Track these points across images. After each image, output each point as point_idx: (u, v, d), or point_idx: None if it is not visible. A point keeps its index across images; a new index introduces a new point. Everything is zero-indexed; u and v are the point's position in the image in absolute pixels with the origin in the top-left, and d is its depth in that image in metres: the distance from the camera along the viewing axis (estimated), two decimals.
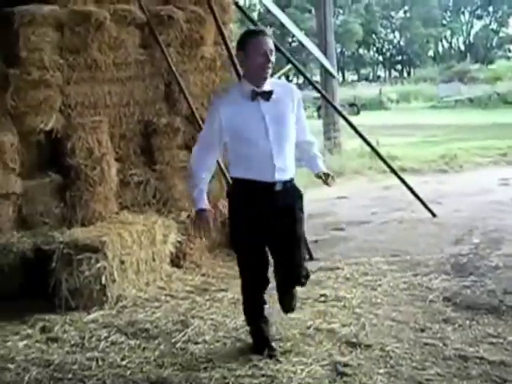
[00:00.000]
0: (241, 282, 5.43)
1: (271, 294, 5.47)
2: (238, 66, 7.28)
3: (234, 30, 9.43)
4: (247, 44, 4.95)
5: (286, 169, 5.01)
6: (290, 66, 17.84)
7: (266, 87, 4.97)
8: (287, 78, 68.85)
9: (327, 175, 5.16)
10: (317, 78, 25.23)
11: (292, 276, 5.20)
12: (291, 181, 5.09)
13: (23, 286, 6.88)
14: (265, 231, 5.06)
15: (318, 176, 5.21)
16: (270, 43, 4.95)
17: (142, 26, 8.44)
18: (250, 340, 5.45)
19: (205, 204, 5.09)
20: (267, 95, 4.96)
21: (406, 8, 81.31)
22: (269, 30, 5.37)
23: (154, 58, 8.49)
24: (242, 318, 5.93)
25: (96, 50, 8.02)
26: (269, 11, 13.10)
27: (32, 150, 7.75)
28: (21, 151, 7.49)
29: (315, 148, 5.35)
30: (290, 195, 5.09)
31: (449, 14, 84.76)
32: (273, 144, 4.93)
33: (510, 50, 79.96)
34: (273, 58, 4.94)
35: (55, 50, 7.80)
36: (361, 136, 10.51)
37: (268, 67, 4.92)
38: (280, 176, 4.97)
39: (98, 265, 6.55)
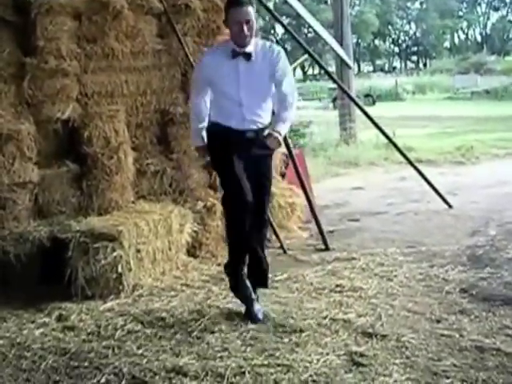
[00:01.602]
0: (225, 222, 5.98)
1: None
2: None
3: None
4: (227, 13, 5.55)
5: (257, 120, 5.60)
6: (306, 56, 17.86)
7: (248, 49, 5.52)
8: (303, 68, 68.99)
9: (269, 135, 5.45)
10: (332, 68, 25.09)
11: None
12: (263, 129, 5.61)
13: (40, 274, 6.91)
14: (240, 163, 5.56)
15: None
16: (247, 13, 5.43)
17: (159, 15, 8.44)
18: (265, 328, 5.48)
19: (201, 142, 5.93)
20: (247, 56, 5.52)
21: None
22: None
23: (171, 47, 8.48)
24: None
25: (113, 38, 8.02)
26: (285, 1, 13.09)
27: (49, 139, 7.75)
28: (38, 140, 7.50)
29: (286, 111, 5.60)
30: (263, 146, 5.53)
31: (465, 5, 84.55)
32: (243, 97, 5.53)
33: None
34: (251, 25, 5.42)
35: (72, 39, 7.80)
36: (377, 127, 10.47)
37: (244, 34, 5.42)
38: (250, 125, 5.57)
39: (115, 254, 6.57)
